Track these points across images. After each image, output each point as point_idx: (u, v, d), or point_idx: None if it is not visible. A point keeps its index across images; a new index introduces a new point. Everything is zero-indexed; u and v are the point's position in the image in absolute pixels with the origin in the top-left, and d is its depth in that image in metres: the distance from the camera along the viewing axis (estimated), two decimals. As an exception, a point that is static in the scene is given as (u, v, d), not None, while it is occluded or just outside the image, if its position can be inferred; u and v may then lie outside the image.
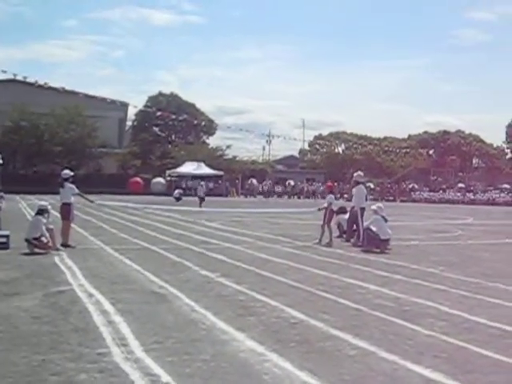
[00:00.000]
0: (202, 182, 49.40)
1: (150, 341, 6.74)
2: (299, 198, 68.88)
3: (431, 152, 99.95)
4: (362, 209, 18.07)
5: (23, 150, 60.05)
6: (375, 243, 16.22)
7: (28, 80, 52.07)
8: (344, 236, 18.98)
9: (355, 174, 19.64)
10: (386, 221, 16.62)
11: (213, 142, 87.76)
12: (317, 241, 17.77)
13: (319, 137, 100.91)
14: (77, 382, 5.40)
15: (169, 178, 66.26)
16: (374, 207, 17.07)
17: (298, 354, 6.40)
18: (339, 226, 19.51)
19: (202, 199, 41.10)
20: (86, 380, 5.44)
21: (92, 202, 19.10)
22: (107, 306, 8.57)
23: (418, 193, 71.00)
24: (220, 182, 70.19)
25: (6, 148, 51.63)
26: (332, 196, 18.54)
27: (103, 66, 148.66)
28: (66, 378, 5.47)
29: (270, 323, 7.74)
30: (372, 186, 64.16)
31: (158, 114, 71.33)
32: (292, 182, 75.01)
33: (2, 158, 21.80)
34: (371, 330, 7.47)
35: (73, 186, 16.40)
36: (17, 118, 60.43)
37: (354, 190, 19.00)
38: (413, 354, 6.43)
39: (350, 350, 6.60)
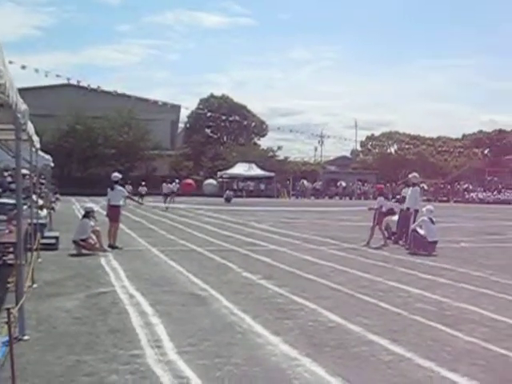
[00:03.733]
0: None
1: (184, 343, 6.76)
2: (351, 198, 68.41)
3: (486, 151, 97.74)
4: (416, 211, 17.72)
5: (78, 153, 61.10)
6: (422, 245, 15.95)
7: (81, 84, 53.08)
8: (392, 238, 18.70)
9: (410, 176, 19.20)
10: (433, 223, 16.32)
11: (265, 143, 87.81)
12: (365, 243, 17.61)
13: (371, 137, 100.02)
14: (108, 383, 5.44)
15: (220, 180, 66.47)
16: (424, 209, 16.82)
17: (332, 359, 6.32)
18: (387, 227, 19.21)
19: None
20: (117, 381, 5.48)
21: (141, 204, 19.38)
22: (146, 307, 8.65)
23: (472, 193, 69.55)
24: (271, 183, 70.02)
25: (61, 151, 52.78)
26: (382, 198, 18.36)
27: (156, 69, 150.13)
28: (98, 379, 5.52)
29: (307, 327, 7.67)
30: (425, 186, 63.14)
31: (209, 115, 71.83)
32: (343, 183, 74.53)
33: (54, 161, 22.24)
34: (409, 335, 7.32)
35: (122, 188, 16.64)
36: (72, 121, 61.60)
37: (408, 191, 18.57)
38: (450, 361, 6.27)
39: (386, 355, 6.48)
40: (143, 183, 44.71)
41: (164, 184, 40.27)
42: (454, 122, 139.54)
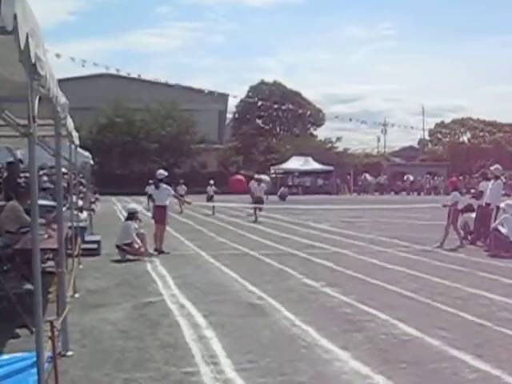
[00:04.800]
0: None
1: (242, 359, 6.74)
2: (419, 194, 67.47)
3: None
4: (498, 207, 17.25)
5: (118, 147, 61.45)
6: (504, 246, 15.58)
7: (120, 73, 53.77)
8: (469, 238, 18.33)
9: (492, 168, 18.67)
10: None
11: (321, 133, 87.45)
12: (438, 244, 17.29)
13: (441, 124, 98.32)
14: (161, 405, 5.46)
15: (274, 175, 66.37)
16: (503, 204, 16.44)
17: (409, 377, 6.21)
18: (465, 226, 18.83)
19: None
20: (171, 403, 5.49)
21: (189, 203, 19.45)
22: (199, 319, 8.67)
23: (558, 186, 67.79)
24: (330, 178, 69.51)
25: (100, 146, 53.43)
26: (457, 193, 17.89)
27: (200, 54, 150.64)
28: (150, 401, 5.54)
29: (379, 340, 7.57)
30: (504, 179, 61.84)
31: (260, 104, 71.89)
32: (411, 177, 73.42)
33: (93, 159, 22.48)
34: (495, 349, 7.15)
35: (168, 187, 16.70)
36: (111, 114, 62.03)
37: (489, 184, 18.08)
38: (544, 379, 6.09)
39: (470, 373, 6.34)
40: (211, 182, 36.67)
41: (255, 185, 31.20)
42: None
